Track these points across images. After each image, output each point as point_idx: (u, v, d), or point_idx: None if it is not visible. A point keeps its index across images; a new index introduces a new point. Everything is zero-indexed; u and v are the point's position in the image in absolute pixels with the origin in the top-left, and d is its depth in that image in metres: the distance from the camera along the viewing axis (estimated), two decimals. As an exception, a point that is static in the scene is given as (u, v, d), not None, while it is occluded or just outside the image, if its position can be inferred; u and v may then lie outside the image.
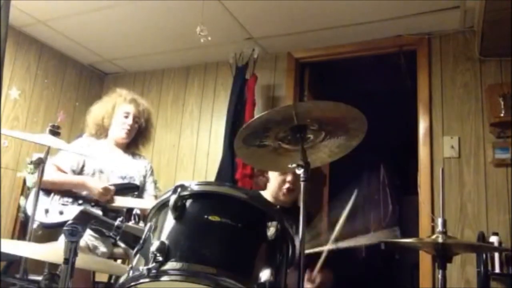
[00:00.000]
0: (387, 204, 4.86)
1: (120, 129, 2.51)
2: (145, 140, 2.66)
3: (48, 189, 2.30)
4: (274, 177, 2.02)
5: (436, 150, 3.01)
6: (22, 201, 3.37)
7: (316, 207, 3.74)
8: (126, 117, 2.51)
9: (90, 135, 2.57)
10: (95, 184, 2.29)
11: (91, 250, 2.19)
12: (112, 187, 2.31)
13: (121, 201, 2.35)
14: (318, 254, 1.72)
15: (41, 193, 2.12)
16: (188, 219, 1.06)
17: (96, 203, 2.31)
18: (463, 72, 3.06)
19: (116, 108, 2.54)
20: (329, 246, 1.68)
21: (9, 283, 2.00)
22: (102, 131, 2.55)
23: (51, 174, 2.29)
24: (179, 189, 1.07)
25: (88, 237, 2.18)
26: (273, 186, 2.00)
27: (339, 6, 2.96)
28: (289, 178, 1.97)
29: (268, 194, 2.06)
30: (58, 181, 2.31)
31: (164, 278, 0.96)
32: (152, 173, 2.63)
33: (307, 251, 1.61)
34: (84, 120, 2.67)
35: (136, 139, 2.61)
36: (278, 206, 1.13)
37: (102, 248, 2.25)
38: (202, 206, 1.09)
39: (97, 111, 2.58)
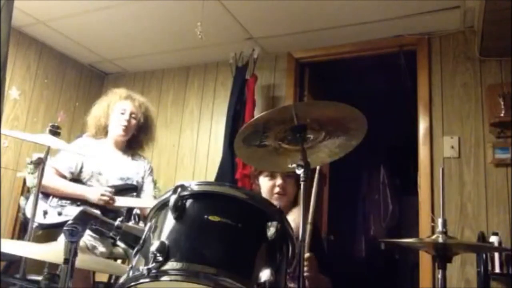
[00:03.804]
0: (387, 204, 4.86)
1: (117, 125, 2.49)
2: (148, 138, 2.63)
3: (47, 193, 2.30)
4: (264, 183, 1.96)
5: (436, 150, 3.01)
6: (22, 201, 3.36)
7: (316, 212, 3.73)
8: (123, 113, 2.49)
9: (90, 136, 2.56)
10: (94, 195, 2.27)
11: (90, 250, 2.19)
12: (112, 196, 2.30)
13: (120, 201, 2.35)
14: None
15: (39, 195, 2.11)
16: (188, 219, 1.06)
17: (95, 204, 2.30)
18: (463, 72, 3.06)
19: (112, 106, 2.53)
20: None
21: (9, 283, 2.00)
22: (101, 131, 2.54)
23: (51, 180, 2.28)
24: (179, 189, 1.07)
25: (86, 237, 2.18)
26: (264, 192, 1.97)
27: (339, 6, 2.96)
28: (278, 182, 1.92)
29: None
30: (58, 189, 2.30)
31: (164, 278, 0.96)
32: (151, 173, 2.62)
33: None
34: (84, 120, 2.67)
35: (139, 138, 2.60)
36: (278, 206, 1.12)
37: (101, 248, 2.25)
38: (202, 206, 1.09)
39: (95, 112, 2.58)
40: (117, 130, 2.50)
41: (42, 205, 2.25)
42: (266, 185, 1.96)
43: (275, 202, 1.92)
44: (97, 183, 2.38)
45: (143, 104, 2.60)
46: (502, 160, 2.79)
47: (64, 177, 2.37)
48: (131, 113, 2.51)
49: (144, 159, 2.64)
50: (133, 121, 2.52)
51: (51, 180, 2.28)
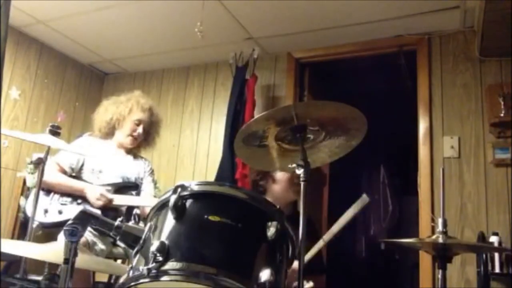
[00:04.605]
0: (387, 204, 4.86)
1: (128, 135, 2.50)
2: (148, 146, 2.66)
3: (48, 189, 2.31)
4: (281, 176, 1.97)
5: (436, 150, 3.01)
6: (22, 201, 3.37)
7: (316, 212, 3.74)
8: (138, 124, 2.51)
9: (96, 133, 2.55)
10: (92, 195, 2.27)
11: (90, 245, 2.19)
12: (110, 196, 2.29)
13: (119, 200, 2.35)
14: None
15: (40, 193, 2.11)
16: (188, 219, 1.06)
17: (96, 203, 2.31)
18: (463, 72, 3.06)
19: (131, 114, 2.52)
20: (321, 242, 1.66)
21: (9, 283, 2.00)
22: (109, 131, 2.53)
23: (53, 175, 2.29)
24: (179, 189, 1.07)
25: (87, 233, 2.18)
26: (282, 185, 1.97)
27: (339, 6, 2.96)
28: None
29: (273, 198, 2.02)
30: (58, 183, 2.31)
31: (164, 278, 0.96)
32: (151, 174, 2.63)
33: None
34: (87, 116, 2.65)
35: (139, 144, 2.61)
36: (278, 206, 1.12)
37: (101, 245, 2.25)
38: (202, 206, 1.09)
39: (111, 110, 2.53)
40: (126, 139, 2.51)
41: (43, 203, 2.25)
42: (284, 177, 1.96)
43: (292, 196, 1.93)
44: (97, 181, 2.38)
45: (159, 121, 2.64)
46: (502, 160, 2.78)
47: (64, 172, 2.38)
48: (144, 127, 2.53)
49: (145, 160, 2.65)
50: (142, 132, 2.53)
51: (52, 175, 2.28)
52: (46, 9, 3.33)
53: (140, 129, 2.51)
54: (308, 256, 1.65)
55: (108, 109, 2.55)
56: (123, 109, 2.52)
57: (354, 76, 4.22)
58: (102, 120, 2.53)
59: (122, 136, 2.52)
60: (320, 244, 1.67)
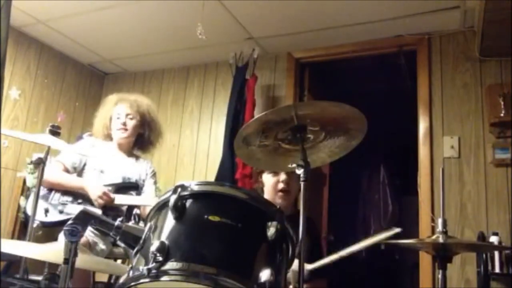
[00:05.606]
0: (387, 204, 4.86)
1: (116, 131, 2.54)
2: (155, 133, 2.65)
3: (49, 188, 2.32)
4: (268, 180, 1.95)
5: (436, 150, 3.01)
6: (22, 201, 3.37)
7: (316, 212, 3.74)
8: (118, 118, 2.53)
9: (95, 136, 2.61)
10: (94, 190, 2.28)
11: (91, 245, 2.19)
12: (112, 195, 2.30)
13: (121, 199, 2.35)
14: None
15: (41, 192, 2.12)
16: (188, 219, 1.06)
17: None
18: (463, 72, 3.06)
19: (109, 114, 2.58)
20: (332, 257, 1.60)
21: (9, 283, 2.00)
22: (107, 138, 2.60)
23: (53, 173, 2.30)
24: (179, 189, 1.07)
25: (88, 233, 2.19)
26: (268, 189, 1.95)
27: (339, 6, 2.96)
28: (282, 178, 1.91)
29: None
30: (58, 181, 2.32)
31: (164, 278, 0.96)
32: (153, 176, 2.63)
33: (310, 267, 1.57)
34: (87, 116, 2.70)
35: (145, 135, 2.61)
36: (278, 206, 1.12)
37: (102, 245, 2.26)
38: (202, 206, 1.09)
39: (96, 124, 2.63)
40: (117, 134, 2.54)
41: (43, 203, 2.26)
42: (269, 182, 1.94)
43: (279, 201, 1.91)
44: (99, 181, 2.38)
45: (135, 102, 2.59)
46: (502, 160, 2.79)
47: (67, 171, 2.41)
48: (126, 115, 2.54)
49: (148, 163, 2.66)
50: (131, 122, 2.54)
51: (52, 173, 2.29)
52: (46, 9, 3.33)
53: (122, 120, 2.52)
54: (315, 265, 1.61)
55: (97, 122, 2.63)
56: (102, 115, 2.60)
57: (354, 76, 4.23)
58: (98, 131, 2.60)
59: (115, 135, 2.56)
60: (333, 257, 1.62)
